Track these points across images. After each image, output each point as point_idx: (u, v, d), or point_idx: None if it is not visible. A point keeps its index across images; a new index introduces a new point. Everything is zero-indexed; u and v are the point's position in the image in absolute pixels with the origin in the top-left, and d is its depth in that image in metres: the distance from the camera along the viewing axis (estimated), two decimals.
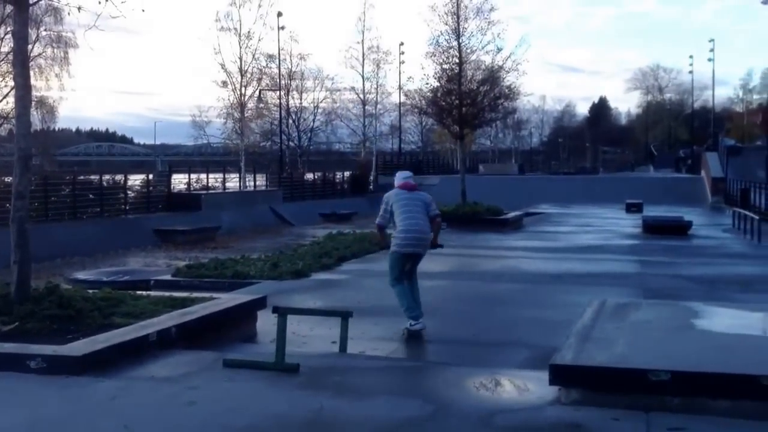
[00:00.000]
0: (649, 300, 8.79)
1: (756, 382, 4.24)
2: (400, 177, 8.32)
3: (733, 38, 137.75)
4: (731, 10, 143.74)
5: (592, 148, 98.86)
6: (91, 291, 7.41)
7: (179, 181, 32.64)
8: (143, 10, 8.02)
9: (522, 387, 5.11)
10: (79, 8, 7.57)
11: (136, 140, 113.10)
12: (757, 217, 19.19)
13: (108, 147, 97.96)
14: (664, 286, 10.74)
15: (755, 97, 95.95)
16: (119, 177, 28.46)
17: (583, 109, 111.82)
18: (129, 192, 28.26)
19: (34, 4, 7.45)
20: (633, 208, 27.77)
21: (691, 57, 69.62)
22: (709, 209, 32.92)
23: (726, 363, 4.59)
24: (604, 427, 4.12)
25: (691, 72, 70.61)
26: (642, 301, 8.37)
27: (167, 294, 7.59)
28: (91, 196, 26.44)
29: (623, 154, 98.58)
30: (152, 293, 7.80)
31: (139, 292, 7.60)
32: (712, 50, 61.48)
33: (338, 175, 46.59)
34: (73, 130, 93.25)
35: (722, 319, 6.38)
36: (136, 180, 30.01)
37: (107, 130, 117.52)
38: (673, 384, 4.32)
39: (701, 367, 4.48)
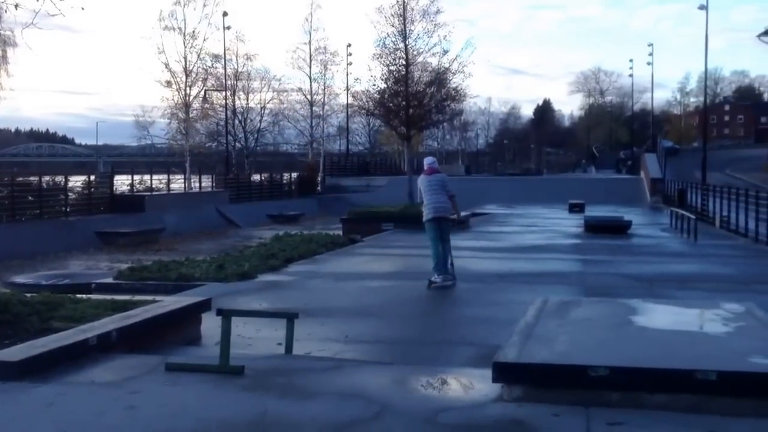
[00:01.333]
0: (590, 298, 8.97)
1: (691, 377, 4.36)
2: (425, 163, 10.92)
3: (672, 42, 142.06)
4: (670, 16, 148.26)
5: (537, 149, 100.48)
6: (29, 295, 7.22)
7: (122, 183, 32.05)
8: (83, 8, 7.85)
9: (466, 385, 5.16)
10: (16, 5, 7.38)
11: (77, 141, 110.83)
12: (693, 217, 19.75)
13: (48, 147, 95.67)
14: (604, 284, 10.96)
15: (692, 99, 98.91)
16: (59, 178, 27.78)
17: (527, 111, 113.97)
18: (70, 193, 27.60)
19: None
20: (575, 209, 28.31)
21: (631, 61, 71.61)
22: (649, 209, 33.74)
23: (663, 358, 4.71)
24: (545, 422, 4.20)
25: (631, 75, 72.64)
26: (583, 299, 8.54)
27: (109, 297, 7.44)
28: (30, 197, 25.76)
29: (566, 155, 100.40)
30: (93, 297, 7.63)
31: (79, 296, 7.42)
32: (651, 54, 63.20)
33: (285, 176, 46.37)
34: (12, 130, 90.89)
35: (660, 316, 6.53)
36: (77, 181, 29.29)
37: (47, 130, 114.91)
38: (612, 379, 4.42)
39: (639, 362, 4.59)
